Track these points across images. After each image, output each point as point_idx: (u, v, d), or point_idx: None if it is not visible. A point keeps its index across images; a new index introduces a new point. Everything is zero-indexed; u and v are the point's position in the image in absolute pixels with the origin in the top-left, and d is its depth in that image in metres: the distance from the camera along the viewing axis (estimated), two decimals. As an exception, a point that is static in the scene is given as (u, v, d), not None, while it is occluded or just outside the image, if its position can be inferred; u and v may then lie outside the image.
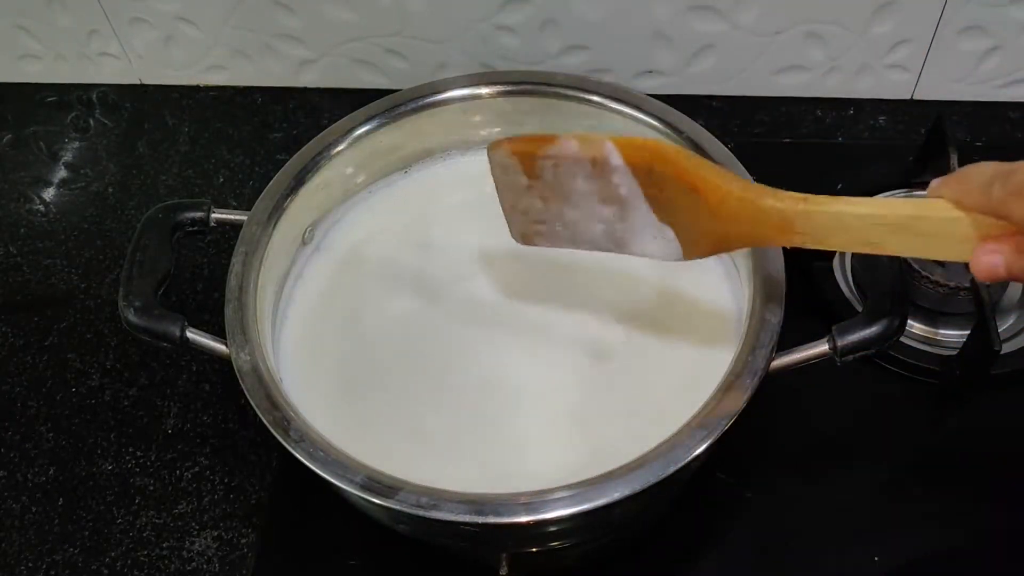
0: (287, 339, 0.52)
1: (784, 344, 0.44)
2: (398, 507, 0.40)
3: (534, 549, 0.48)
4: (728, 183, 0.41)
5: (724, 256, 0.52)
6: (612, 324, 0.52)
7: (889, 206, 0.37)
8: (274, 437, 0.43)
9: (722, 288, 0.52)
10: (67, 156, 0.71)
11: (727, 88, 0.68)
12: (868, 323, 0.43)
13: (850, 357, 0.43)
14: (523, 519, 0.40)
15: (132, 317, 0.46)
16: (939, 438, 0.53)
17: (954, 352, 0.54)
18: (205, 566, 0.51)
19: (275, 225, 0.51)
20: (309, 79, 0.71)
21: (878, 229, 0.36)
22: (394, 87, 0.57)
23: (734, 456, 0.49)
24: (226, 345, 0.46)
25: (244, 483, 0.54)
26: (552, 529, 0.43)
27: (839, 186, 0.62)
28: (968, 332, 0.52)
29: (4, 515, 0.54)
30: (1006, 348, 0.52)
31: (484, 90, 0.56)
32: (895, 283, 0.44)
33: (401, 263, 0.55)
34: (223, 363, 0.46)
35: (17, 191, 0.70)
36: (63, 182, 0.70)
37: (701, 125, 0.52)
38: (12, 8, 0.70)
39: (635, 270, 0.54)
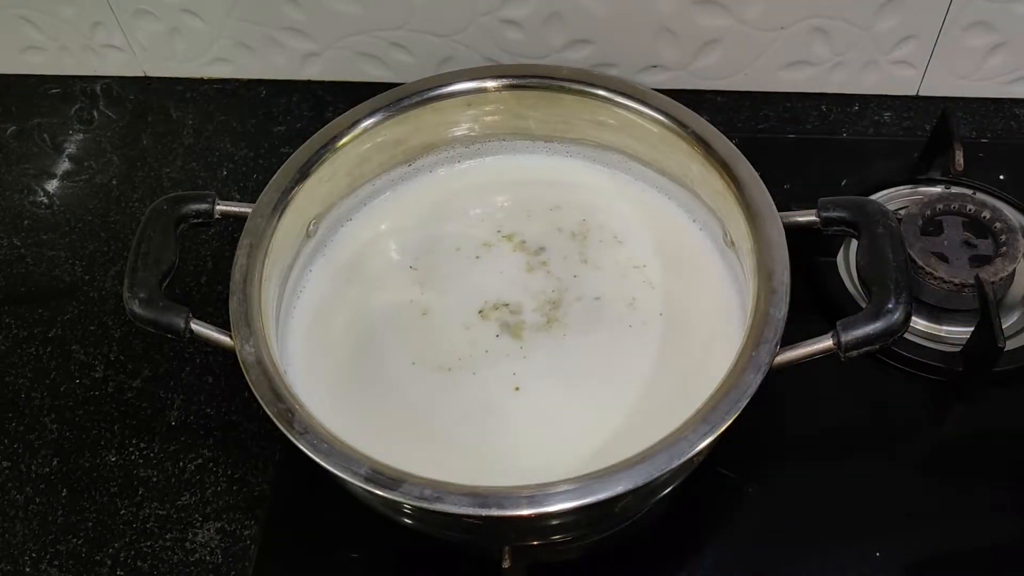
0: (293, 331, 0.52)
1: (788, 339, 0.44)
2: (402, 499, 0.40)
3: (536, 542, 0.48)
4: None
5: (728, 251, 0.52)
6: (615, 319, 0.52)
7: None
8: (278, 429, 0.43)
9: (726, 283, 0.52)
10: (71, 148, 0.71)
11: (732, 83, 0.68)
12: (872, 319, 0.43)
13: (854, 353, 0.43)
14: (526, 512, 0.40)
15: (137, 309, 0.46)
16: (942, 435, 0.53)
17: (958, 349, 0.54)
18: (208, 557, 0.51)
19: (279, 218, 0.51)
20: (313, 72, 0.71)
21: None
22: (398, 80, 0.57)
23: (737, 451, 0.48)
24: (230, 337, 0.46)
25: (247, 475, 0.54)
26: (555, 522, 0.43)
27: (843, 182, 0.62)
28: (972, 329, 0.52)
29: (8, 506, 0.54)
30: (1010, 345, 0.52)
31: (489, 84, 0.55)
32: (900, 279, 0.44)
33: (407, 259, 0.55)
34: (227, 355, 0.46)
35: (21, 183, 0.70)
36: (67, 174, 0.70)
37: (706, 120, 0.52)
38: (16, -1, 0.70)
39: (640, 265, 0.54)
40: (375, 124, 0.54)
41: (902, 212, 0.57)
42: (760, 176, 0.49)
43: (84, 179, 0.69)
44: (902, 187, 0.61)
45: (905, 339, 0.54)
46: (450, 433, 0.48)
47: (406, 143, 0.57)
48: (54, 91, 0.74)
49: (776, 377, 0.43)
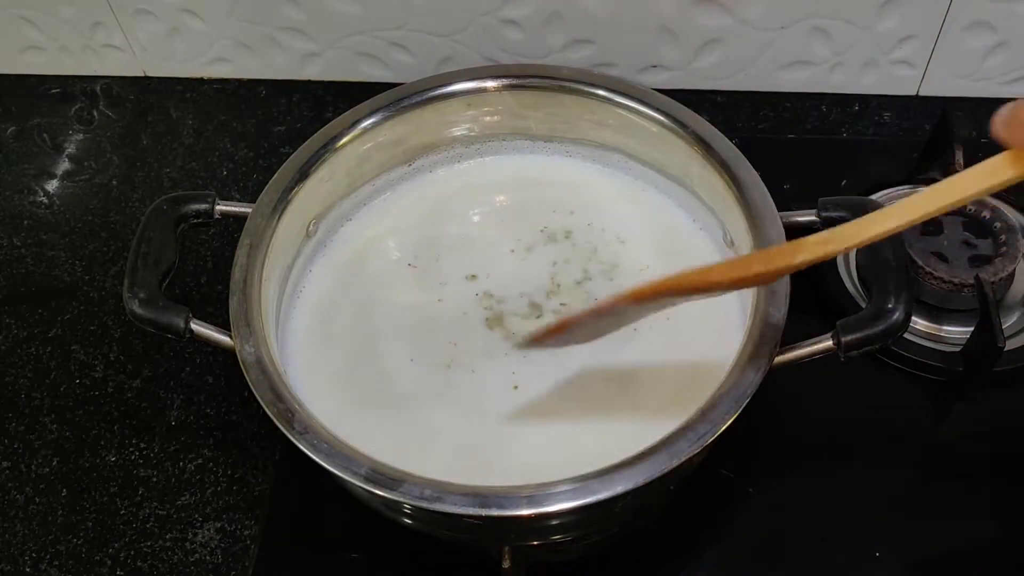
0: (293, 331, 0.52)
1: (788, 339, 0.44)
2: (402, 499, 0.40)
3: (536, 542, 0.48)
4: (746, 269, 0.40)
5: (728, 251, 0.52)
6: (616, 319, 0.52)
7: (912, 208, 0.37)
8: (278, 429, 0.43)
9: (726, 283, 0.52)
10: (71, 148, 0.71)
11: (732, 83, 0.68)
12: (872, 319, 0.43)
13: (854, 353, 0.43)
14: (526, 512, 0.40)
15: (137, 309, 0.47)
16: (942, 435, 0.53)
17: (958, 349, 0.54)
18: (208, 557, 0.51)
19: (279, 217, 0.51)
20: (313, 72, 0.71)
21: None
22: (398, 80, 0.57)
23: (737, 451, 0.49)
24: (230, 337, 0.46)
25: (247, 475, 0.54)
26: (554, 522, 0.43)
27: (843, 183, 0.62)
28: (972, 329, 0.52)
29: (8, 506, 0.54)
30: (1010, 345, 0.52)
31: (489, 83, 0.55)
32: (900, 279, 0.44)
33: (406, 258, 0.55)
34: (227, 355, 0.46)
35: (21, 183, 0.70)
36: (67, 174, 0.70)
37: (706, 120, 0.52)
38: (16, -1, 0.70)
39: (639, 266, 0.54)
40: (375, 124, 0.54)
41: (902, 212, 0.57)
42: (760, 176, 0.49)
43: (84, 179, 0.69)
44: (902, 187, 0.61)
45: (905, 339, 0.54)
46: (449, 432, 0.48)
47: (406, 143, 0.57)
48: (54, 91, 0.74)
49: (776, 377, 0.43)
